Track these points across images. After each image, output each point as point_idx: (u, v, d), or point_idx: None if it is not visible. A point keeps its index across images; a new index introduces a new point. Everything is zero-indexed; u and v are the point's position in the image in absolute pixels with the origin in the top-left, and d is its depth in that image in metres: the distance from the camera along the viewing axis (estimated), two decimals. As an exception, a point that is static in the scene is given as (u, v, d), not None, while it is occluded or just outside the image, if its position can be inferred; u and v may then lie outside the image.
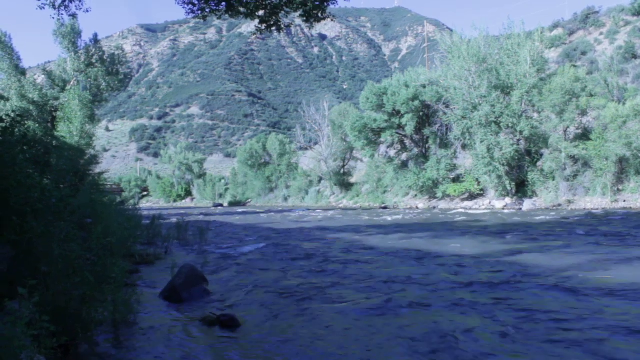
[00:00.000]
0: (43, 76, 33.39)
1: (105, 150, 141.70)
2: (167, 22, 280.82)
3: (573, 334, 5.06)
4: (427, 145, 39.38)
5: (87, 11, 11.56)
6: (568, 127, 29.17)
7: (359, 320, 5.82)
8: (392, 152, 42.54)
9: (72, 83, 31.59)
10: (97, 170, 26.96)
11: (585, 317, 5.63)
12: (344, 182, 52.76)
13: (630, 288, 7.02)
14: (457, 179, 35.94)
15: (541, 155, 31.09)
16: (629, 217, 20.15)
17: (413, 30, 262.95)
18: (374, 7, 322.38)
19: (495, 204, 31.40)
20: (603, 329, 5.16)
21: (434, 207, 34.90)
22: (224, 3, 11.03)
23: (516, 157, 30.65)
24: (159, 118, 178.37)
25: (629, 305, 6.10)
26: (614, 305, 6.12)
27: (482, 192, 33.90)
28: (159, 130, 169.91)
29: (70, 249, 4.99)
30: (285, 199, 59.22)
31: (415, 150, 40.50)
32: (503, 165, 30.31)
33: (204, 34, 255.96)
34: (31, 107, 30.15)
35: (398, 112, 37.86)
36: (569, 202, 28.13)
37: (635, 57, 54.54)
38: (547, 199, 28.85)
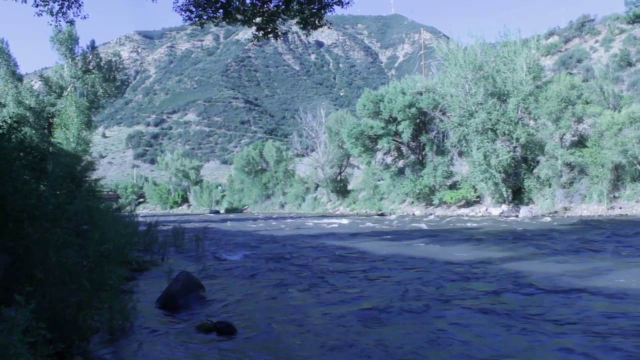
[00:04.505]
0: (40, 82, 33.38)
1: (102, 157, 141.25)
2: (164, 29, 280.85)
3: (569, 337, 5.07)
4: (423, 152, 39.45)
5: (85, 18, 11.55)
6: (564, 134, 29.28)
7: (355, 326, 5.81)
8: (388, 159, 42.56)
9: (69, 89, 31.58)
10: (94, 176, 26.89)
11: (577, 321, 5.65)
12: (340, 189, 52.73)
13: (624, 293, 7.05)
14: (453, 186, 36.00)
15: (537, 162, 31.17)
16: (624, 224, 20.21)
17: (410, 37, 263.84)
18: (371, 14, 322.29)
19: (491, 211, 31.45)
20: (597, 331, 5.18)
21: (431, 214, 34.90)
22: (221, 10, 11.06)
23: (512, 164, 30.73)
24: (156, 125, 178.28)
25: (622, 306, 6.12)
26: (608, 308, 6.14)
27: (478, 199, 33.96)
28: (155, 136, 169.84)
29: (67, 255, 4.98)
30: (282, 206, 59.14)
31: (412, 157, 40.54)
32: (499, 172, 30.38)
33: (201, 40, 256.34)
34: (28, 114, 30.10)
35: (395, 119, 37.93)
36: (565, 209, 28.18)
37: (630, 64, 54.85)
38: (543, 206, 28.91)
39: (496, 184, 30.97)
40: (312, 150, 58.81)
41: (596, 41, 69.51)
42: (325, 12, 11.00)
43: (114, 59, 34.41)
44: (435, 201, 35.95)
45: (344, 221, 30.46)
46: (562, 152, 28.55)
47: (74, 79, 31.78)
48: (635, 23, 65.44)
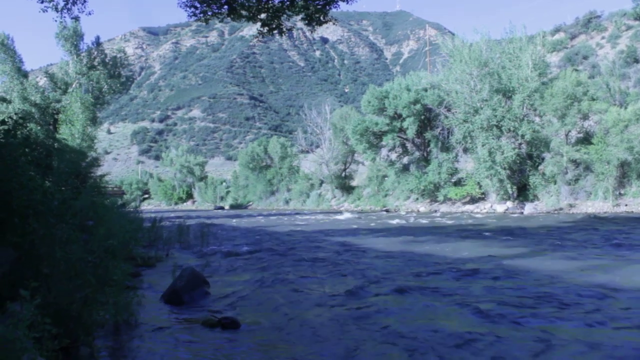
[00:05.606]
0: (45, 79, 33.47)
1: (107, 153, 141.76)
2: (169, 25, 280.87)
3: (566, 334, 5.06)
4: (428, 149, 39.38)
5: (90, 14, 11.59)
6: (570, 131, 29.16)
7: (360, 321, 5.81)
8: (393, 156, 42.51)
9: (74, 86, 31.66)
10: (99, 172, 27.08)
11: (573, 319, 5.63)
12: (345, 186, 52.73)
13: (623, 290, 7.03)
14: (458, 183, 35.92)
15: (543, 159, 31.07)
16: (629, 221, 20.12)
17: (415, 33, 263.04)
18: (376, 10, 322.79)
19: (496, 207, 31.38)
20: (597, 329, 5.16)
21: (435, 211, 34.86)
22: (226, 6, 11.06)
23: (518, 161, 30.62)
24: (161, 121, 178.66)
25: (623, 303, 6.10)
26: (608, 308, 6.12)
27: (483, 196, 33.88)
28: (160, 133, 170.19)
29: (72, 251, 4.99)
30: (287, 202, 59.21)
31: (417, 153, 40.49)
32: (504, 169, 30.29)
33: (206, 37, 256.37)
34: (33, 110, 30.20)
35: (399, 116, 37.88)
36: (571, 206, 28.09)
37: (637, 61, 54.52)
38: (548, 203, 28.82)
39: (501, 181, 30.89)
40: (317, 147, 58.82)
41: (602, 37, 69.21)
42: (330, 8, 11.00)
43: (118, 55, 34.47)
44: (440, 198, 35.90)
45: (349, 217, 30.47)
46: (567, 149, 28.44)
47: (79, 75, 31.86)
48: (642, 19, 65.01)
